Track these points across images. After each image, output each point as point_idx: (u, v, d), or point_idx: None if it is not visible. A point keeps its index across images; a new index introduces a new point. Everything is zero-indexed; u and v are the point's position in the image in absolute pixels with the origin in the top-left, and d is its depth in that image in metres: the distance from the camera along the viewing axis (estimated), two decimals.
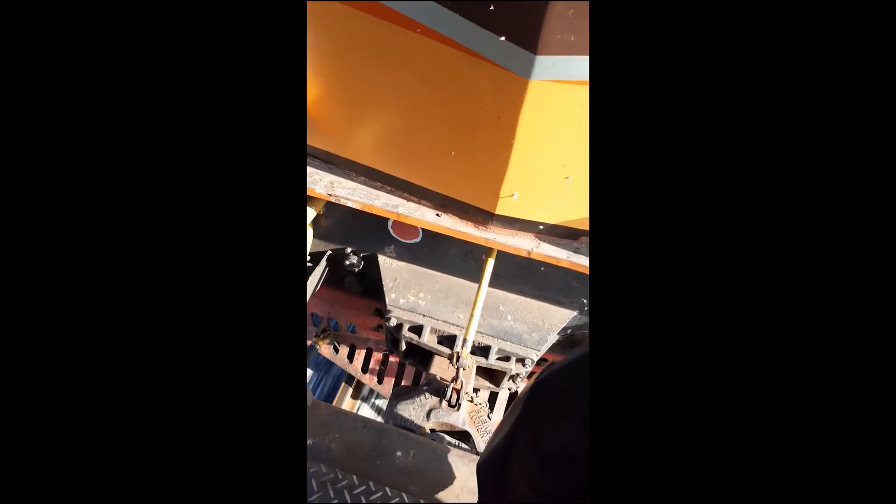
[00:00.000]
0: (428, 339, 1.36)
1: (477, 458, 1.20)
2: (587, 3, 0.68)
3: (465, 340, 1.19)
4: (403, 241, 1.39)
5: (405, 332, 1.36)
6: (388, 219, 1.33)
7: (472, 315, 1.19)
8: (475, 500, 1.12)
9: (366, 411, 2.25)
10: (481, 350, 1.35)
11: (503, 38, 0.75)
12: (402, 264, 1.42)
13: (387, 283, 1.39)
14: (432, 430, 1.33)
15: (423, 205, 1.17)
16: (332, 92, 1.06)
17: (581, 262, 1.11)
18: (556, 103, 0.83)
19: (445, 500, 1.12)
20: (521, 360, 1.36)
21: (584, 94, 0.82)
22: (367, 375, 1.98)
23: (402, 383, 1.98)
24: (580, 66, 0.77)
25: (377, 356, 1.98)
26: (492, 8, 0.73)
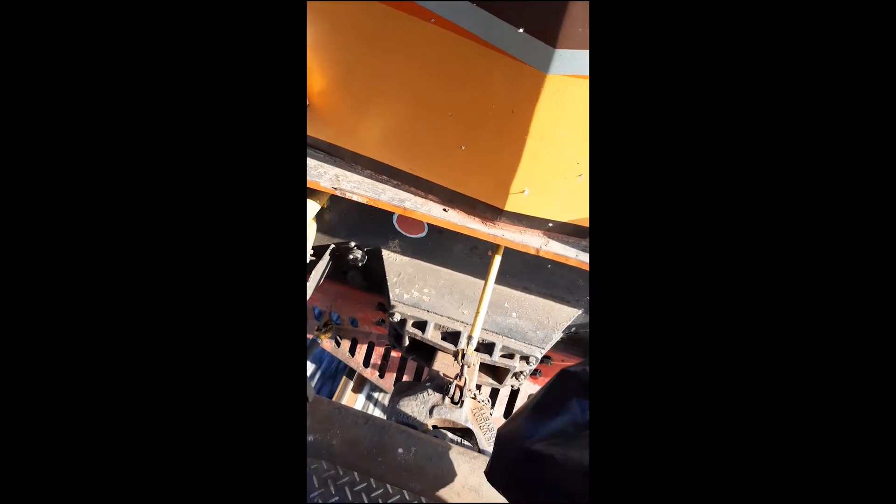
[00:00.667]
0: (432, 335, 1.34)
1: (479, 455, 1.20)
2: None
3: (470, 337, 1.18)
4: (408, 235, 1.37)
5: (409, 327, 1.35)
6: (394, 213, 1.31)
7: (477, 312, 1.18)
8: (476, 498, 1.12)
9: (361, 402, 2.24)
10: (485, 347, 1.34)
11: (521, 30, 0.73)
12: (407, 259, 1.40)
13: (391, 278, 1.37)
14: (434, 427, 1.32)
15: (430, 199, 1.15)
16: (339, 83, 1.04)
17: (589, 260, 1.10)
18: (574, 99, 0.80)
19: (446, 498, 1.11)
20: (526, 358, 1.35)
21: None
22: (369, 370, 1.98)
23: (404, 378, 1.97)
24: None
25: (379, 350, 1.97)
26: None
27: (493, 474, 0.75)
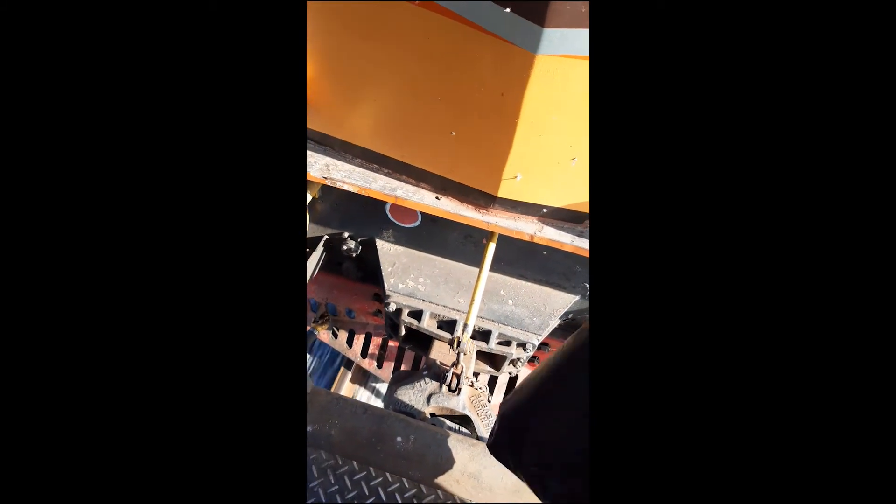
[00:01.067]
0: (428, 324, 1.34)
1: (477, 442, 1.20)
2: None
3: (465, 325, 1.18)
4: (402, 225, 1.36)
5: (404, 317, 1.35)
6: (386, 202, 1.29)
7: (472, 300, 1.17)
8: (475, 484, 1.13)
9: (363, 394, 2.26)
10: (482, 335, 1.34)
11: (508, 10, 0.71)
12: (401, 249, 1.39)
13: (385, 268, 1.37)
14: (432, 415, 1.33)
15: (422, 187, 1.13)
16: (327, 70, 1.01)
17: (585, 246, 1.09)
18: (564, 80, 0.78)
19: (446, 485, 1.12)
20: (523, 345, 1.35)
21: None
22: (367, 360, 1.98)
23: (402, 368, 1.98)
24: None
25: (376, 341, 1.98)
26: None
27: (497, 446, 0.76)
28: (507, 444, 0.74)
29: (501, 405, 0.76)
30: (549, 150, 0.93)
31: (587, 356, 0.61)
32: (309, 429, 1.18)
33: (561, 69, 0.77)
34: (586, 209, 1.07)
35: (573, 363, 0.65)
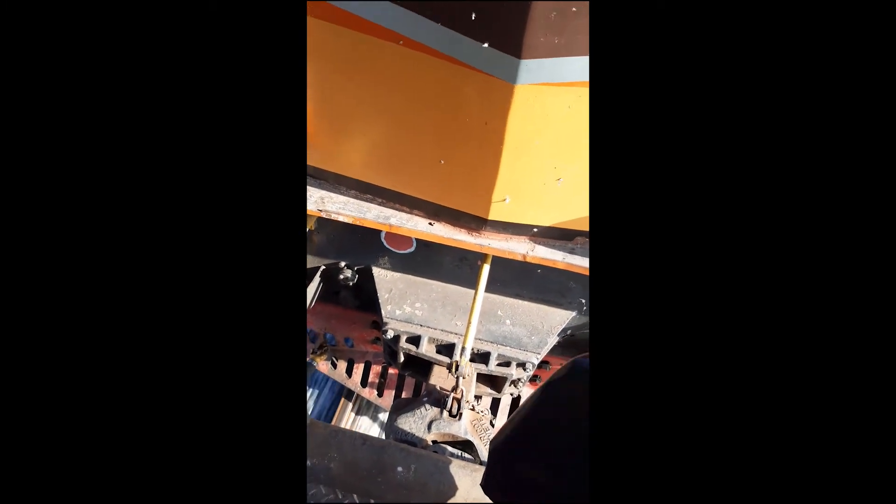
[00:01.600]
0: (426, 349, 1.34)
1: (480, 467, 1.18)
2: (570, 3, 0.68)
3: (463, 348, 1.18)
4: (397, 251, 1.38)
5: (403, 343, 1.35)
6: (381, 230, 1.32)
7: (469, 322, 1.18)
8: None
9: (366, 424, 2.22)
10: (481, 357, 1.34)
11: (486, 45, 0.75)
12: (397, 275, 1.41)
13: (382, 295, 1.38)
14: (434, 442, 1.31)
15: (415, 214, 1.16)
16: (317, 108, 1.06)
17: (577, 262, 1.11)
18: (544, 106, 0.82)
19: None
20: (522, 365, 1.34)
21: (571, 95, 0.81)
22: (367, 389, 1.96)
23: (403, 395, 1.96)
24: (567, 67, 0.77)
25: (376, 369, 1.96)
26: (473, 16, 0.73)
27: (489, 487, 0.75)
28: (499, 482, 0.73)
29: (491, 441, 0.76)
30: (535, 172, 0.96)
31: (568, 390, 0.62)
32: (307, 463, 1.16)
33: (540, 97, 0.81)
34: (576, 226, 1.09)
35: (556, 397, 0.64)
